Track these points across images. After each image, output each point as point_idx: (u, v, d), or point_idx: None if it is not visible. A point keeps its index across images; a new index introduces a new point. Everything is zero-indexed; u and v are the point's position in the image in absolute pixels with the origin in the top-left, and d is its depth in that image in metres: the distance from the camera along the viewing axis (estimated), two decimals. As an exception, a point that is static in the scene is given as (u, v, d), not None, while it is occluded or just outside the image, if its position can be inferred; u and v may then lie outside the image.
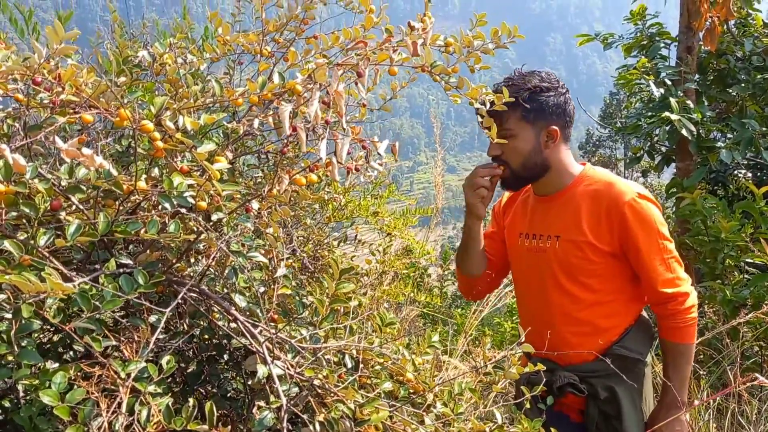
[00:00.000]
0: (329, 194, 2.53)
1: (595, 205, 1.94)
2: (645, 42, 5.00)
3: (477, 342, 3.92)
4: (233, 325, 1.40)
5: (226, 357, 1.65)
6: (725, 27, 4.63)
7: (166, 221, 1.36)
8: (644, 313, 2.09)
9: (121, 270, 1.32)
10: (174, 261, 1.39)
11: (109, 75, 1.62)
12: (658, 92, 4.42)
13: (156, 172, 1.55)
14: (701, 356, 3.70)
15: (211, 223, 1.32)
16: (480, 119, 1.74)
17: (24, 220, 1.32)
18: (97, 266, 1.42)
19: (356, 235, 2.79)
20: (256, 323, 1.33)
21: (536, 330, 1.97)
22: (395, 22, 1.92)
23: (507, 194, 2.29)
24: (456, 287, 7.20)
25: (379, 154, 1.34)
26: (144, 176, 1.49)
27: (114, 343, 1.19)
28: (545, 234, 2.03)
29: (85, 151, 1.01)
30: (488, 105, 1.67)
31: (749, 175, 8.78)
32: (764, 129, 4.50)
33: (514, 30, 1.85)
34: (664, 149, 4.95)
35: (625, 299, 2.01)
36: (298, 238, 2.38)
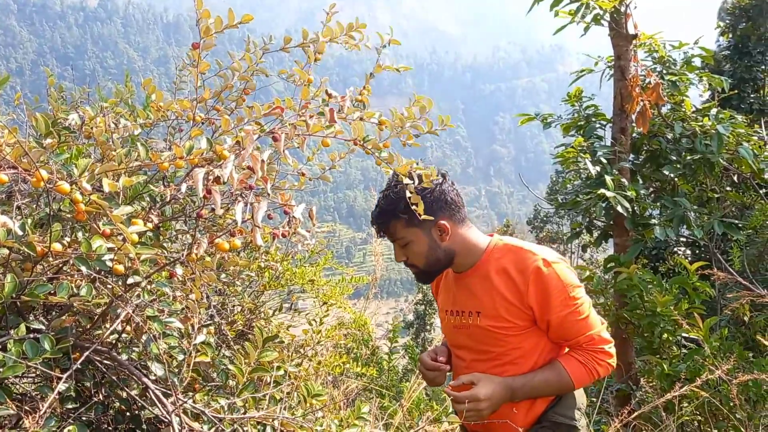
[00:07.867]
0: (266, 262, 2.50)
1: (506, 280, 2.01)
2: (582, 122, 5.22)
3: (420, 415, 3.84)
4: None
5: (144, 428, 1.58)
6: (657, 110, 4.88)
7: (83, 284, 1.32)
8: None
9: (31, 335, 1.26)
10: (88, 326, 1.34)
11: (37, 137, 1.60)
12: (594, 170, 4.59)
13: (80, 235, 1.52)
14: (642, 431, 3.71)
15: (128, 288, 1.29)
16: (408, 195, 1.76)
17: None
18: (10, 331, 1.36)
19: (292, 305, 2.75)
20: (169, 392, 1.28)
21: None
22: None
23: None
24: (407, 361, 7.11)
25: (293, 217, 1.35)
26: (66, 239, 1.46)
27: (11, 411, 1.12)
28: (466, 311, 2.11)
29: (-11, 209, 0.99)
30: (416, 180, 1.71)
31: (688, 252, 9.09)
32: (695, 207, 4.69)
33: (446, 119, 1.94)
34: (602, 225, 5.10)
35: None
36: (231, 306, 2.33)
